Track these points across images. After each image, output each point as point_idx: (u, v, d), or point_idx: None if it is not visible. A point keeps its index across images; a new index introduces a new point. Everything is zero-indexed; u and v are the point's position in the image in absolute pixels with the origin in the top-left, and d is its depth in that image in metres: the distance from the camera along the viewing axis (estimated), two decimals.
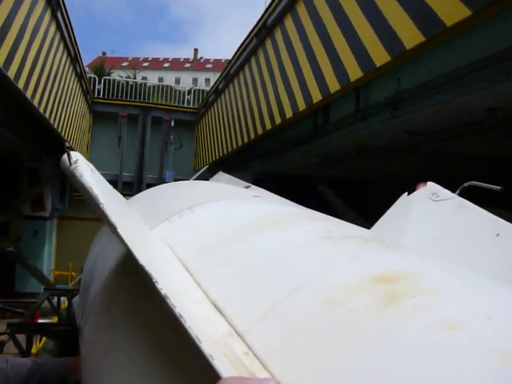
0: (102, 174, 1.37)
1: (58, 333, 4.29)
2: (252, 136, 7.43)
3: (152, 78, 44.97)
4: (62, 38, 7.34)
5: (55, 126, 7.30)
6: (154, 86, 19.98)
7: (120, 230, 0.92)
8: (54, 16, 6.56)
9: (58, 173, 10.78)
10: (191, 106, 16.42)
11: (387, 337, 0.64)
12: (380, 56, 3.68)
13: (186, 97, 18.44)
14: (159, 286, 0.77)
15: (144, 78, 40.05)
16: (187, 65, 53.27)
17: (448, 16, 2.91)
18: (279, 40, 6.24)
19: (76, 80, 9.47)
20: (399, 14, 3.41)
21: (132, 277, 1.15)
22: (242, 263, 1.00)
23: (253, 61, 7.57)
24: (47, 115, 6.55)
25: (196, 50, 56.97)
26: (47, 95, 6.44)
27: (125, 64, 47.97)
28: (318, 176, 7.92)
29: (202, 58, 55.91)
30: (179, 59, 55.18)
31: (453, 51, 3.12)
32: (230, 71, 9.19)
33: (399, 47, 3.43)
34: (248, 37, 7.83)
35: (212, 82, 49.58)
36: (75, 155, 1.13)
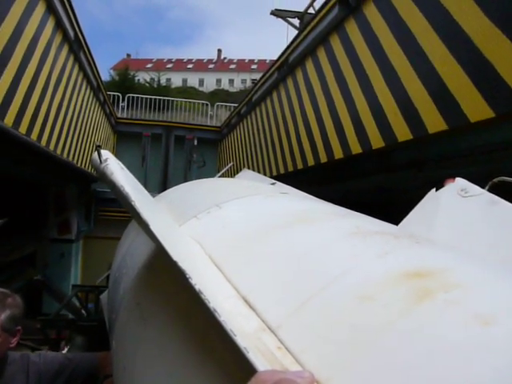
0: None
1: (86, 328, 4.46)
2: (274, 172, 7.42)
3: (176, 79, 45.46)
4: (85, 76, 7.46)
5: (78, 165, 7.41)
6: (177, 103, 19.99)
7: (152, 227, 0.93)
8: (77, 60, 6.69)
9: (84, 195, 10.98)
10: (214, 124, 16.54)
11: (420, 332, 0.64)
12: (402, 132, 3.60)
13: (209, 112, 18.52)
14: (193, 281, 0.78)
15: (168, 80, 40.47)
16: (211, 65, 53.49)
17: (471, 111, 2.84)
18: (300, 82, 6.23)
19: (99, 108, 9.59)
20: (422, 94, 3.34)
21: (162, 272, 1.18)
22: (272, 259, 1.00)
23: (274, 94, 7.60)
24: (70, 158, 6.65)
25: (219, 51, 57.16)
26: (69, 141, 6.55)
27: (149, 66, 48.40)
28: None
29: (225, 58, 56.07)
30: (203, 60, 55.49)
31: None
32: (253, 98, 9.25)
33: (422, 129, 3.35)
34: (270, 69, 7.98)
35: (236, 83, 49.56)
36: (105, 154, 1.13)
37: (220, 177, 4.57)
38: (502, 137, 3.03)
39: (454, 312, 0.66)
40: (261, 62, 51.71)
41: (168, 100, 19.30)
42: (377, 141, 4.00)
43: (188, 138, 14.46)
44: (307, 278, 0.87)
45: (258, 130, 8.79)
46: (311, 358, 0.67)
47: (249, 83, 46.17)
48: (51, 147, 5.51)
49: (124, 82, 27.15)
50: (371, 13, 4.21)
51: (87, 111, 8.03)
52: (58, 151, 5.92)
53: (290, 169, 6.56)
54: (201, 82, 48.96)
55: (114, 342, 1.49)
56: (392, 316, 0.69)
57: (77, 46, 6.62)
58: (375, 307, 0.72)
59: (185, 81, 48.42)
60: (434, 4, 3.20)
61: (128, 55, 53.81)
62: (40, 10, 4.80)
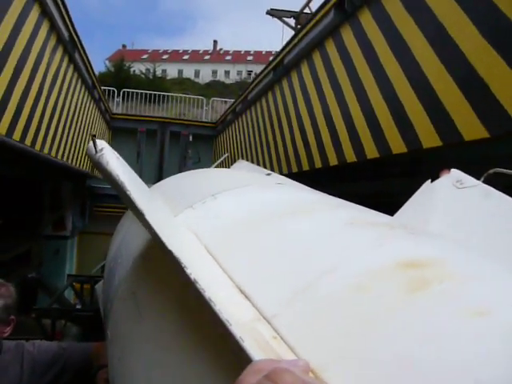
0: None
1: (81, 318, 4.48)
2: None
3: (171, 70, 45.25)
4: (80, 75, 7.43)
5: (74, 165, 7.40)
6: (172, 97, 19.91)
7: (147, 216, 0.94)
8: (71, 60, 6.69)
9: (79, 192, 10.96)
10: (210, 116, 16.52)
11: (415, 322, 0.65)
12: (397, 144, 3.61)
13: (204, 108, 18.46)
14: (188, 270, 0.78)
15: (164, 71, 40.26)
16: (206, 57, 53.22)
17: (465, 130, 2.85)
18: (295, 84, 6.22)
19: (94, 106, 9.55)
20: (416, 108, 3.34)
21: (158, 262, 1.18)
22: (267, 249, 1.01)
23: (269, 94, 7.61)
24: (65, 159, 6.63)
25: (215, 42, 56.86)
26: (64, 142, 6.55)
27: (144, 56, 48.12)
28: None
29: (221, 49, 55.77)
30: (198, 51, 55.18)
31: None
32: (248, 96, 9.25)
33: (416, 143, 3.36)
34: (266, 68, 8.08)
35: (231, 75, 49.35)
36: (101, 143, 1.13)
37: (215, 168, 4.56)
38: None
39: (449, 302, 0.66)
40: (256, 54, 51.52)
41: (164, 95, 19.23)
42: (371, 151, 4.01)
43: (183, 133, 14.45)
44: (302, 267, 0.87)
45: (253, 128, 8.80)
46: (306, 347, 0.68)
47: (245, 75, 46.04)
48: (45, 151, 5.50)
49: (119, 73, 27.03)
50: (367, 21, 4.21)
51: (82, 110, 8.02)
52: (53, 153, 5.91)
53: (285, 171, 6.56)
54: (196, 74, 48.78)
55: (108, 332, 1.50)
56: (386, 306, 0.69)
57: (71, 46, 6.60)
58: (370, 297, 0.72)
59: (180, 72, 48.23)
60: (429, 18, 3.19)
61: (123, 46, 53.53)
62: (34, 14, 4.76)
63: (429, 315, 0.65)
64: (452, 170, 1.42)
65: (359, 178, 5.04)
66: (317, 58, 5.51)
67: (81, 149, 7.90)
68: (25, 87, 4.55)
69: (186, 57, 53.36)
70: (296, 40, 6.23)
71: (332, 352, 0.65)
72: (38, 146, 5.15)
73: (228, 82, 42.01)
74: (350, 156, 4.43)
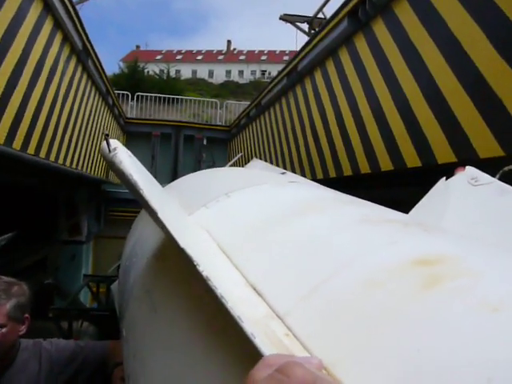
0: None
1: (97, 318, 4.53)
2: None
3: (185, 70, 45.39)
4: (94, 83, 7.48)
5: (89, 172, 7.46)
6: (185, 100, 19.97)
7: (160, 215, 0.94)
8: (85, 69, 6.73)
9: (94, 197, 11.04)
10: (223, 117, 16.58)
11: (427, 318, 0.64)
12: (412, 158, 3.57)
13: (218, 111, 18.51)
14: (201, 268, 0.78)
15: (178, 72, 40.38)
16: (220, 57, 53.25)
17: (480, 147, 2.80)
18: (309, 91, 6.20)
19: (109, 112, 9.62)
20: (431, 122, 3.30)
21: (171, 260, 1.18)
22: (280, 247, 1.00)
23: (283, 100, 7.59)
24: (80, 168, 6.69)
25: (229, 42, 56.87)
26: (78, 151, 6.59)
27: (158, 57, 48.31)
28: None
29: (235, 49, 55.79)
30: (212, 51, 55.24)
31: None
32: (262, 102, 9.27)
33: (431, 158, 3.32)
34: (280, 74, 8.05)
35: (245, 75, 49.32)
36: (114, 143, 1.14)
37: (230, 167, 4.56)
38: None
39: (462, 298, 0.66)
40: (270, 53, 51.46)
41: (177, 98, 19.34)
42: (386, 163, 3.97)
43: (197, 137, 14.50)
44: (315, 265, 0.87)
45: (266, 133, 8.81)
46: (319, 345, 0.67)
47: (258, 74, 46.03)
48: (60, 161, 5.55)
49: (134, 74, 27.18)
50: (381, 31, 4.17)
51: (96, 118, 8.07)
52: (68, 163, 5.97)
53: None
54: (210, 74, 48.87)
55: (124, 330, 1.51)
56: (399, 302, 0.68)
57: (84, 54, 6.64)
58: (383, 294, 0.71)
59: (194, 72, 48.35)
60: (444, 32, 3.14)
61: (137, 47, 53.80)
62: (47, 27, 4.80)
63: (442, 311, 0.64)
64: (467, 167, 1.41)
65: (372, 187, 4.99)
66: (330, 66, 5.49)
67: (95, 156, 7.96)
68: (39, 100, 4.60)
69: (199, 57, 53.49)
70: (310, 46, 6.19)
71: (345, 349, 0.65)
72: (52, 157, 5.20)
73: (242, 81, 42.05)
74: (364, 167, 4.40)
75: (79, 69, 6.45)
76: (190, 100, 20.25)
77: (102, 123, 8.91)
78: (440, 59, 3.21)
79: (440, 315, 0.63)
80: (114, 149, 1.11)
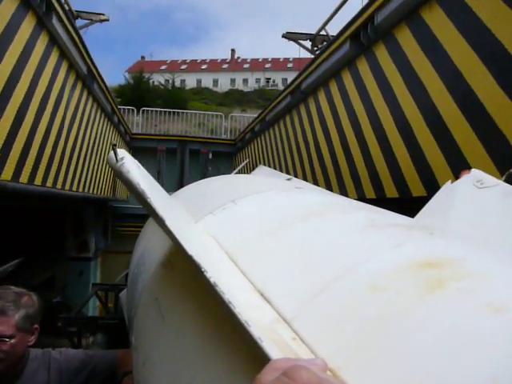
0: None
1: (106, 326, 4.52)
2: None
3: (190, 80, 45.54)
4: (99, 105, 7.54)
5: (96, 193, 7.50)
6: (191, 114, 20.05)
7: (168, 223, 0.95)
8: (90, 93, 6.77)
9: (101, 215, 11.07)
10: (229, 127, 16.65)
11: (431, 320, 0.64)
12: (417, 187, 3.58)
13: (223, 123, 18.56)
14: (208, 274, 0.79)
15: (182, 81, 40.47)
16: (225, 65, 53.37)
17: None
18: (313, 111, 6.22)
19: (114, 130, 9.67)
20: (436, 154, 3.31)
21: (179, 268, 1.19)
22: (287, 252, 1.01)
23: (287, 118, 7.63)
24: (86, 191, 6.73)
25: (233, 51, 57.02)
26: (84, 175, 6.64)
27: (163, 67, 48.49)
28: None
29: (239, 57, 55.91)
30: (216, 60, 55.38)
31: None
32: (266, 118, 9.30)
33: (435, 186, 3.32)
34: (283, 92, 8.14)
35: (250, 83, 49.30)
36: (121, 152, 1.15)
37: (236, 173, 4.58)
38: None
39: (466, 300, 0.66)
40: (274, 61, 51.55)
41: (182, 112, 19.47)
42: (391, 190, 3.98)
43: (203, 151, 14.55)
44: (321, 269, 0.88)
45: (271, 148, 8.87)
46: (325, 348, 0.68)
47: (263, 82, 46.08)
48: (66, 187, 5.60)
49: (139, 84, 27.26)
50: (382, 56, 4.19)
51: (102, 139, 8.15)
52: (74, 188, 6.02)
53: None
54: (215, 83, 48.99)
55: (133, 338, 1.52)
56: (404, 305, 0.69)
57: (90, 78, 6.71)
58: (387, 297, 0.72)
59: (199, 81, 48.49)
60: (446, 63, 3.16)
61: (142, 57, 53.99)
62: (54, 57, 4.86)
63: (446, 313, 0.65)
64: (472, 169, 1.42)
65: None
66: (333, 87, 5.52)
67: (102, 176, 8.01)
68: (45, 130, 4.66)
69: (204, 66, 53.66)
70: (314, 66, 6.23)
71: (351, 353, 0.65)
72: (59, 184, 5.24)
73: (246, 89, 42.13)
74: (370, 192, 4.40)
75: (84, 94, 6.52)
76: (195, 113, 20.38)
77: (108, 143, 8.98)
78: (440, 85, 3.23)
79: (444, 317, 0.64)
80: (122, 158, 1.12)
